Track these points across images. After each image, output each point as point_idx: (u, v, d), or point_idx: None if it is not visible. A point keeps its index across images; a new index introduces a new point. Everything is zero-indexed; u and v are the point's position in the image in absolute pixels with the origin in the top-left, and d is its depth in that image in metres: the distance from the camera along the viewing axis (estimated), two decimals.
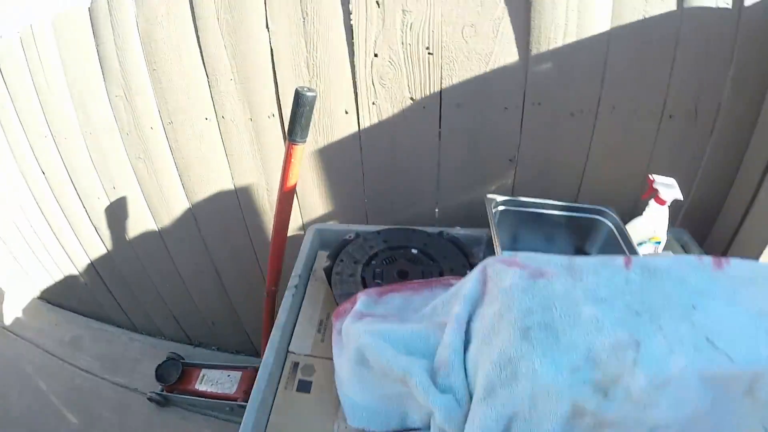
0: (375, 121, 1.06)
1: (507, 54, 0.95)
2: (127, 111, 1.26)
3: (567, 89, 0.97)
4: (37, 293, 2.01)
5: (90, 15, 1.14)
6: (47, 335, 1.87)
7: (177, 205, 1.41)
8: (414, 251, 0.94)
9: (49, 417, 1.63)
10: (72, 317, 1.95)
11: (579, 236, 1.04)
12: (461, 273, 0.85)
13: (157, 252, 1.56)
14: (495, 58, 0.95)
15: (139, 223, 1.51)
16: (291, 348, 0.86)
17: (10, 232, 1.73)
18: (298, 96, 0.82)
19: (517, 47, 0.94)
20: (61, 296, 1.96)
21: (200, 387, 1.62)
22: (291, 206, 0.97)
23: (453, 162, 1.11)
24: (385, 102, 1.04)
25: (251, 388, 0.72)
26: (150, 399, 1.64)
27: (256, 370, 0.78)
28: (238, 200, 1.32)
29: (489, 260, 0.65)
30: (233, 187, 1.30)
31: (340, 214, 1.26)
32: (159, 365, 1.66)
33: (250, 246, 1.42)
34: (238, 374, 1.63)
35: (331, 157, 1.15)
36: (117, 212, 1.51)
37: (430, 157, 1.11)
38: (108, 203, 1.50)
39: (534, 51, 0.94)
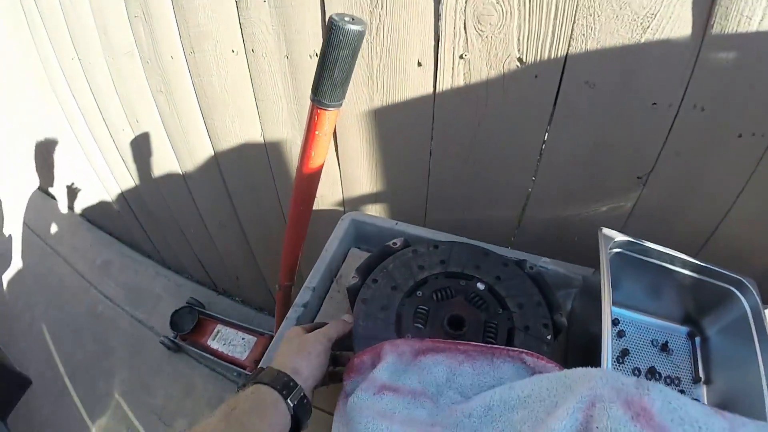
0: (460, 83, 0.68)
1: (677, 22, 0.54)
2: (146, 35, 0.98)
3: (748, 97, 0.56)
4: (79, 210, 1.86)
5: None
6: (80, 255, 1.75)
7: (200, 151, 1.12)
8: (481, 286, 0.61)
9: (68, 337, 1.54)
10: (106, 239, 1.81)
11: (697, 304, 0.69)
12: (539, 336, 0.57)
13: (182, 196, 1.31)
14: (658, 24, 0.54)
15: (163, 162, 1.26)
16: None
17: (61, 146, 1.55)
18: (333, 29, 0.48)
19: (693, 15, 0.51)
20: (98, 217, 1.81)
21: (212, 344, 1.43)
22: (314, 191, 0.65)
23: (559, 162, 0.72)
24: (480, 58, 0.65)
25: (262, 358, 0.63)
26: (162, 343, 1.47)
27: (271, 338, 0.63)
28: (268, 156, 1.00)
29: (601, 393, 0.39)
30: (262, 140, 0.98)
31: (390, 200, 0.91)
32: (175, 311, 1.48)
33: (279, 209, 1.12)
34: (252, 339, 1.42)
35: (388, 124, 0.79)
36: (141, 147, 1.26)
37: (529, 149, 0.72)
38: (133, 136, 1.26)
39: (715, 29, 0.52)
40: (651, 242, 0.65)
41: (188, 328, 1.44)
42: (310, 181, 0.63)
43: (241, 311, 1.60)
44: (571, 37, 0.59)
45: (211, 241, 1.42)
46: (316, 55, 0.77)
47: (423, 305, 0.58)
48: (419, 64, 0.69)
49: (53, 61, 1.31)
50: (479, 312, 0.58)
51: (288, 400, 0.44)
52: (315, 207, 1.02)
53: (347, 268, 0.78)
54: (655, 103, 0.61)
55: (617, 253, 0.67)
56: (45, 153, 1.67)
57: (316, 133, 0.56)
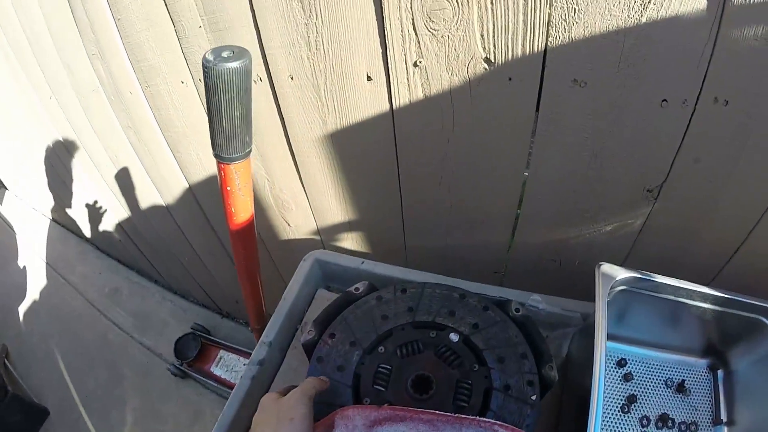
0: (419, 95, 0.53)
1: None
2: (105, 72, 0.88)
3: None
4: (88, 237, 1.80)
5: None
6: (90, 283, 1.69)
7: (175, 184, 1.01)
8: (454, 337, 0.48)
9: (82, 367, 1.50)
10: (114, 266, 1.75)
11: (720, 334, 0.56)
12: (521, 397, 0.44)
13: (170, 227, 1.21)
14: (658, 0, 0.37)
15: (146, 195, 1.16)
16: None
17: (67, 177, 1.50)
18: (205, 71, 0.36)
19: None
20: (106, 244, 1.76)
21: (215, 370, 1.34)
22: (252, 244, 0.50)
23: (550, 177, 0.57)
24: (438, 64, 0.49)
25: None
26: (168, 370, 1.38)
27: None
28: None
29: None
30: None
31: (366, 229, 0.77)
32: (179, 339, 1.39)
33: (259, 236, 0.98)
34: None
35: (348, 148, 0.65)
36: (125, 181, 1.17)
37: (511, 165, 0.57)
38: (115, 171, 1.17)
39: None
40: (662, 275, 0.51)
41: (191, 355, 1.36)
42: (243, 238, 0.49)
43: (245, 333, 1.51)
44: (549, 25, 0.43)
45: (205, 267, 1.31)
46: (261, 79, 0.63)
47: (385, 363, 0.47)
48: (369, 78, 0.54)
49: (36, 100, 1.22)
50: (451, 369, 0.46)
51: None
52: (290, 237, 0.89)
53: (313, 313, 0.63)
54: (665, 100, 0.45)
55: (622, 290, 0.51)
56: (54, 184, 1.61)
57: (228, 189, 0.43)
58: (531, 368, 0.46)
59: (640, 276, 0.50)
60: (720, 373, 0.57)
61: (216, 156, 0.41)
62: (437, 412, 0.40)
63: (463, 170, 0.58)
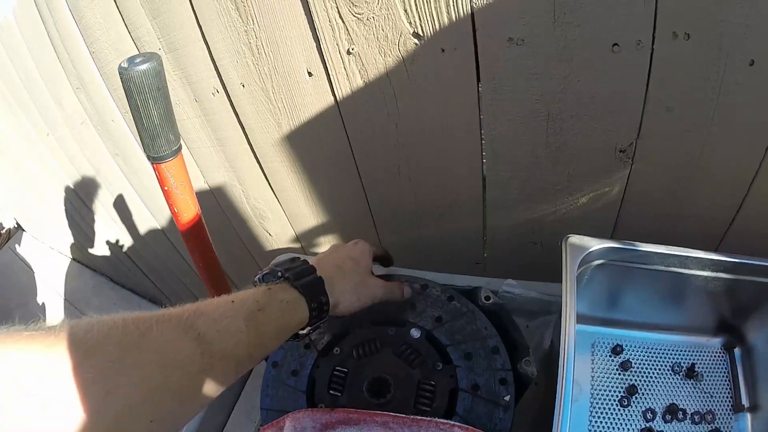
0: (358, 83, 0.55)
1: None
2: (90, 103, 0.97)
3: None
4: (101, 270, 1.93)
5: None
6: (105, 314, 1.78)
7: (167, 209, 1.06)
8: (415, 333, 0.47)
9: None
10: (128, 297, 1.86)
11: (734, 306, 0.51)
12: (491, 398, 0.42)
13: (168, 249, 1.28)
14: None
15: (142, 220, 1.25)
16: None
17: (76, 211, 1.63)
18: (120, 77, 0.42)
19: None
20: (118, 276, 1.86)
21: None
22: (206, 245, 0.53)
23: (508, 150, 0.57)
24: (369, 47, 0.52)
25: None
26: None
27: None
28: (218, 203, 0.92)
29: None
30: (208, 187, 0.89)
31: (340, 230, 0.79)
32: None
33: (248, 253, 1.02)
34: None
35: (305, 148, 0.68)
36: (122, 208, 1.27)
37: (465, 143, 0.58)
38: (112, 199, 1.25)
39: None
40: (651, 239, 0.47)
41: None
42: (194, 237, 0.53)
43: None
44: None
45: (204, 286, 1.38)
46: (218, 91, 0.67)
47: (341, 366, 0.46)
48: (310, 74, 0.57)
49: (36, 138, 1.34)
50: (411, 369, 0.45)
51: (309, 326, 0.39)
52: (273, 246, 0.92)
53: None
54: (616, 44, 0.44)
55: (601, 265, 0.50)
56: (64, 220, 1.75)
57: (165, 188, 0.46)
58: (504, 364, 0.43)
59: (617, 245, 0.46)
60: (737, 351, 0.52)
61: (148, 157, 0.45)
62: (392, 414, 0.39)
63: (418, 155, 0.60)
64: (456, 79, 0.51)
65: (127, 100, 0.41)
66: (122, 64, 0.39)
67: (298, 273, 0.39)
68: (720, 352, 0.53)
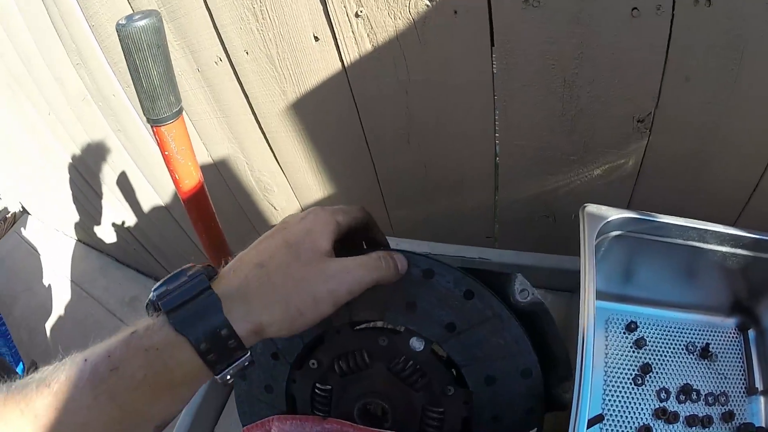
0: (367, 47, 0.54)
1: None
2: (90, 79, 0.96)
3: None
4: (107, 251, 1.96)
5: None
6: (111, 294, 1.84)
7: (167, 181, 1.07)
8: (417, 344, 0.34)
9: None
10: (134, 276, 1.90)
11: (749, 285, 0.50)
12: (515, 428, 0.34)
13: (172, 228, 1.30)
14: None
15: (146, 198, 1.26)
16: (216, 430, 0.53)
17: (81, 192, 1.65)
18: (118, 34, 0.40)
19: None
20: (123, 255, 1.89)
21: None
22: (207, 211, 0.53)
23: (522, 119, 0.55)
24: (379, 10, 0.50)
25: None
26: None
27: None
28: (223, 178, 0.92)
29: None
30: (212, 161, 0.89)
31: (347, 203, 0.77)
32: None
33: (254, 230, 1.03)
34: None
35: (311, 117, 0.67)
36: (125, 187, 1.28)
37: (478, 110, 0.57)
38: (115, 177, 1.26)
39: None
40: (669, 213, 0.46)
41: None
42: (195, 205, 0.52)
43: None
44: None
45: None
46: (221, 60, 0.66)
47: (322, 383, 0.37)
48: (316, 38, 0.56)
49: (37, 118, 1.35)
50: (413, 393, 0.35)
51: (218, 376, 0.26)
52: (275, 222, 0.92)
53: None
54: (635, 8, 0.43)
55: (618, 236, 0.49)
56: (69, 201, 1.77)
57: (166, 153, 0.46)
58: (535, 389, 0.33)
59: (636, 216, 0.46)
60: (751, 333, 0.51)
61: (148, 120, 0.44)
62: None
63: (429, 124, 0.59)
64: (469, 42, 0.49)
65: (126, 60, 0.40)
66: (120, 21, 0.38)
67: (178, 298, 0.26)
68: (734, 333, 0.52)
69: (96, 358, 0.25)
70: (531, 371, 0.33)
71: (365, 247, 0.37)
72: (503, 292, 0.34)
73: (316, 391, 0.37)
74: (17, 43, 1.11)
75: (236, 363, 0.27)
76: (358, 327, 0.37)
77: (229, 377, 0.27)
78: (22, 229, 2.46)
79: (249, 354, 0.27)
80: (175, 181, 0.49)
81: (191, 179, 0.49)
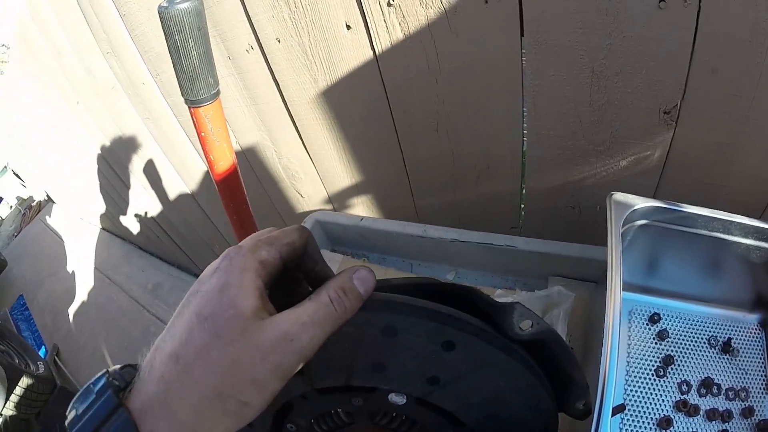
0: (398, 36, 0.56)
1: None
2: (120, 68, 1.01)
3: None
4: (131, 239, 2.03)
5: None
6: (134, 281, 1.90)
7: (196, 170, 1.13)
8: (397, 399, 0.29)
9: (128, 358, 1.65)
10: (156, 263, 1.96)
11: None
12: None
13: (197, 215, 1.34)
14: None
15: (172, 185, 1.30)
16: None
17: (106, 181, 1.71)
18: (160, 17, 0.42)
19: None
20: (147, 243, 1.95)
21: None
22: (240, 195, 0.56)
23: (551, 109, 0.57)
24: (410, 0, 0.52)
25: None
26: None
27: None
28: (250, 164, 0.95)
29: None
30: (240, 148, 0.92)
31: (374, 191, 0.81)
32: None
33: (278, 215, 1.06)
34: None
35: (341, 105, 0.70)
36: (152, 174, 1.32)
37: (507, 100, 0.58)
38: (142, 165, 1.30)
39: None
40: (693, 205, 0.48)
41: None
42: (228, 188, 0.55)
43: None
44: None
45: None
46: (252, 48, 0.70)
47: None
48: (348, 27, 0.58)
49: (65, 108, 1.41)
50: None
51: None
52: (305, 209, 0.96)
53: None
54: (663, 0, 0.44)
55: (644, 225, 0.50)
56: (95, 190, 1.83)
57: (202, 134, 0.49)
58: (547, 417, 0.30)
59: (663, 205, 0.47)
60: None
61: (186, 101, 0.47)
62: None
63: (458, 112, 0.61)
64: (499, 31, 0.51)
65: (166, 41, 0.43)
66: (162, 4, 0.41)
67: (87, 424, 0.22)
68: (756, 329, 0.53)
69: None
70: (541, 403, 0.29)
71: (304, 279, 0.28)
72: (499, 321, 0.27)
73: None
74: (46, 33, 1.16)
75: None
76: (325, 391, 0.30)
77: None
78: (47, 217, 2.56)
79: None
80: (210, 163, 0.52)
81: (226, 160, 0.52)
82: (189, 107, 0.49)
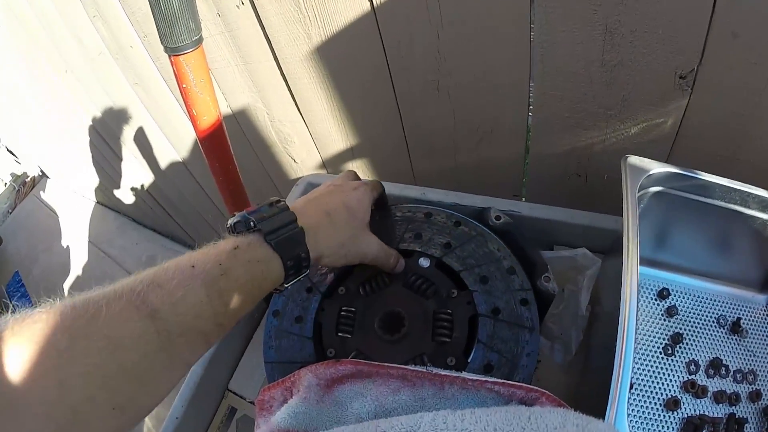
0: None
1: None
2: (107, 31, 0.96)
3: None
4: (124, 211, 2.00)
5: None
6: (128, 254, 1.88)
7: (187, 136, 1.10)
8: (424, 262, 0.46)
9: None
10: (151, 236, 1.94)
11: None
12: (516, 320, 0.41)
13: (189, 183, 1.32)
14: None
15: (163, 153, 1.26)
16: (231, 386, 0.55)
17: (99, 153, 1.67)
18: None
19: None
20: (141, 215, 1.93)
21: None
22: (226, 153, 0.52)
23: (559, 66, 0.53)
24: None
25: None
26: None
27: None
28: (241, 128, 0.91)
29: None
30: (231, 111, 0.88)
31: (370, 155, 0.78)
32: None
33: (271, 182, 1.03)
34: None
35: (336, 63, 0.66)
36: (143, 142, 1.29)
37: (513, 56, 0.54)
38: (133, 133, 1.26)
39: None
40: (709, 174, 0.45)
41: None
42: (212, 145, 0.52)
43: None
44: None
45: None
46: (243, 3, 0.65)
47: (348, 306, 0.45)
48: None
49: (54, 77, 1.36)
50: (425, 301, 0.43)
51: (286, 284, 0.36)
52: (298, 174, 0.93)
53: None
54: None
55: (658, 193, 0.48)
56: (87, 163, 1.79)
57: (183, 86, 0.45)
58: (522, 284, 0.42)
59: (680, 171, 0.44)
60: None
61: (165, 49, 0.43)
62: (409, 367, 0.36)
63: (462, 70, 0.57)
64: None
65: None
66: None
67: (274, 224, 0.34)
68: (765, 310, 0.51)
69: (205, 265, 0.31)
70: (514, 269, 0.43)
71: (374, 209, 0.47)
72: (483, 220, 0.48)
73: (342, 313, 0.44)
74: (33, 0, 1.11)
75: (299, 278, 0.36)
76: None
77: (287, 286, 0.36)
78: (41, 192, 2.52)
79: (308, 271, 0.36)
80: (192, 118, 0.48)
81: (210, 115, 0.48)
82: (169, 56, 0.45)
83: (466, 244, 0.45)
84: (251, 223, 0.34)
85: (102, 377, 0.26)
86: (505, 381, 0.33)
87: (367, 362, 0.37)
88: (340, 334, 0.43)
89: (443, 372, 0.34)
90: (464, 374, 0.34)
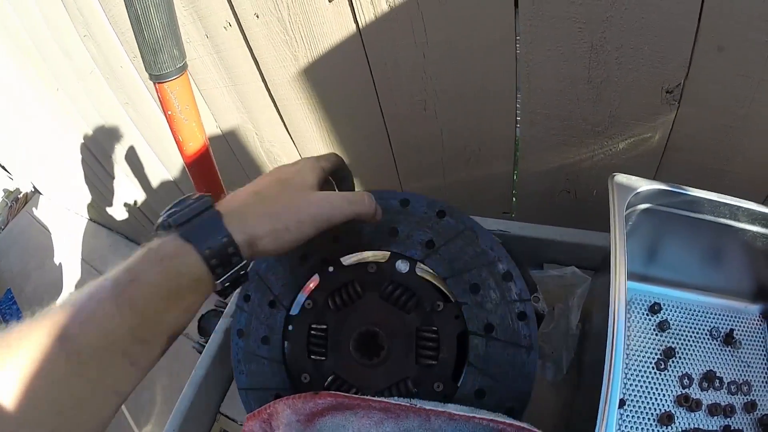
0: (383, 7, 0.52)
1: None
2: (98, 51, 0.97)
3: None
4: (118, 229, 1.99)
5: None
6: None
7: (176, 155, 1.06)
8: (402, 266, 0.38)
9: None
10: None
11: None
12: (514, 340, 0.35)
13: None
14: None
15: (154, 172, 1.26)
16: (222, 409, 0.54)
17: (91, 171, 1.66)
18: None
19: None
20: (133, 233, 1.91)
21: None
22: (213, 178, 0.51)
23: (546, 85, 0.53)
24: None
25: None
26: (194, 348, 1.49)
27: None
28: (231, 148, 0.91)
29: None
30: (220, 132, 0.88)
31: (360, 173, 0.78)
32: (202, 316, 1.47)
33: None
34: None
35: (324, 83, 0.66)
36: (134, 162, 1.29)
37: (499, 75, 0.55)
38: (124, 152, 1.26)
39: None
40: (697, 188, 0.45)
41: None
42: (199, 172, 0.51)
43: None
44: None
45: None
46: (230, 25, 0.65)
47: (317, 323, 0.38)
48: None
49: (47, 95, 1.35)
50: (405, 315, 0.37)
51: (219, 281, 0.30)
52: None
53: None
54: None
55: (646, 210, 0.47)
56: (79, 180, 1.78)
57: (169, 113, 0.44)
58: (521, 293, 0.35)
59: (668, 188, 0.43)
60: None
61: (150, 77, 0.43)
62: (392, 401, 0.33)
63: (448, 90, 0.57)
64: (491, 2, 0.47)
65: (127, 11, 0.39)
66: None
67: (186, 215, 0.29)
68: (758, 320, 0.50)
69: (116, 274, 0.28)
70: (511, 274, 0.36)
71: (336, 186, 0.41)
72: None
73: (312, 332, 0.39)
74: (25, 18, 1.11)
75: (234, 270, 0.30)
76: (347, 263, 0.40)
77: (227, 284, 0.30)
78: (33, 208, 2.50)
79: (244, 262, 0.30)
80: (179, 144, 0.48)
81: (196, 141, 0.48)
82: (154, 83, 0.45)
83: (452, 241, 0.37)
84: (162, 219, 0.31)
85: (30, 407, 0.24)
86: (494, 419, 0.31)
87: (346, 395, 0.34)
88: (312, 356, 0.38)
89: (428, 407, 0.32)
90: (450, 408, 0.32)
